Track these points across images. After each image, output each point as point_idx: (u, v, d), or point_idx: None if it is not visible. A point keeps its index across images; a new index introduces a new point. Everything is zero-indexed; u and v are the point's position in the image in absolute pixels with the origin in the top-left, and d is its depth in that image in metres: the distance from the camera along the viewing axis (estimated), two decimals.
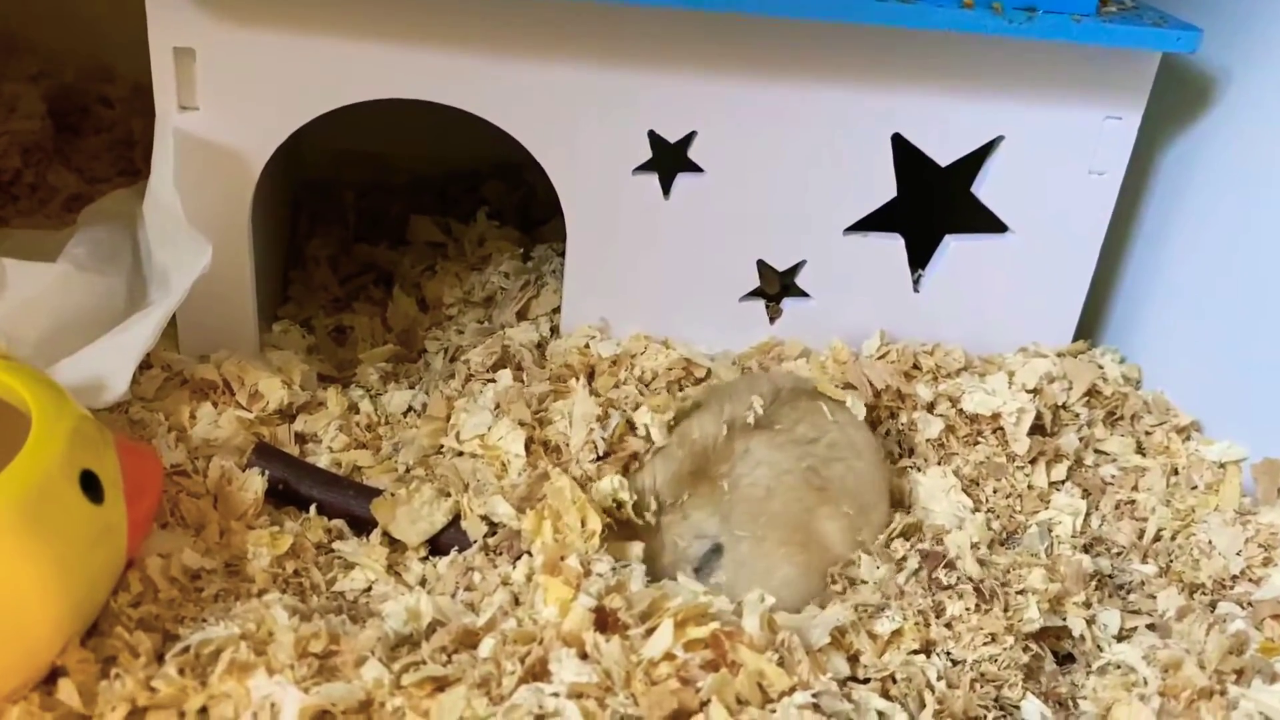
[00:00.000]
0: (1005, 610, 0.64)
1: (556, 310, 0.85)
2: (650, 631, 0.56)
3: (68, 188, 0.99)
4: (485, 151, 1.01)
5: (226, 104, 0.72)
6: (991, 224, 0.83)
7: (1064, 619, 0.66)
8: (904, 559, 0.69)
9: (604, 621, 0.57)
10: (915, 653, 0.62)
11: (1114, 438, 0.82)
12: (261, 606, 0.58)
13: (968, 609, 0.64)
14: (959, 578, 0.66)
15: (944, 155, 0.79)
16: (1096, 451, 0.81)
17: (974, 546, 0.69)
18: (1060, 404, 0.82)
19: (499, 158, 1.04)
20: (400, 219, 1.00)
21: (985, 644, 0.62)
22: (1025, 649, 0.63)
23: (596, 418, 0.74)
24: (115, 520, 0.58)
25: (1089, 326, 0.90)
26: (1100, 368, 0.86)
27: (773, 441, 0.69)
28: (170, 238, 0.72)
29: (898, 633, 0.63)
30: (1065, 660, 0.66)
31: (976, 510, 0.74)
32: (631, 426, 0.74)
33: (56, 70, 1.08)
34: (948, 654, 0.63)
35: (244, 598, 0.61)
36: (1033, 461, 0.78)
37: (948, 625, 0.64)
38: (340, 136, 0.84)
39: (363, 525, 0.68)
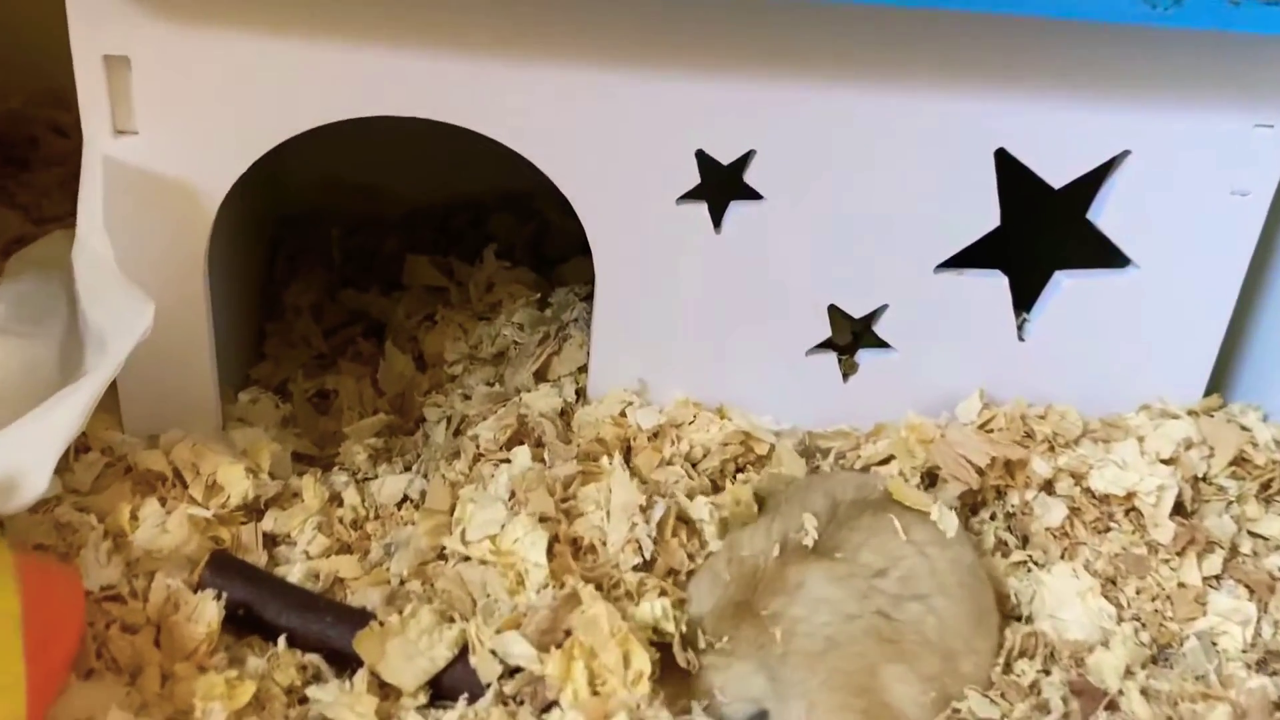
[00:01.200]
0: None
1: (583, 370, 0.75)
2: None
3: (11, 229, 0.89)
4: (491, 178, 0.93)
5: (172, 126, 0.62)
6: (1112, 257, 0.71)
7: None
8: (1035, 686, 0.55)
9: None
10: None
11: (1272, 517, 0.68)
12: None
13: None
14: None
15: (1057, 175, 0.68)
16: (1252, 535, 0.67)
17: (1129, 673, 0.55)
18: (1199, 475, 0.68)
19: (506, 185, 0.95)
20: (394, 259, 0.90)
21: None
22: None
23: (640, 507, 0.61)
24: (6, 684, 0.44)
25: (1217, 379, 0.77)
26: (1246, 429, 0.72)
27: (832, 573, 0.58)
28: (103, 293, 0.61)
29: None
30: None
31: (1121, 620, 0.60)
32: (683, 520, 0.61)
33: (2, 95, 0.99)
34: None
35: None
36: (1180, 552, 0.64)
37: None
38: (324, 163, 0.78)
39: (345, 660, 0.55)
